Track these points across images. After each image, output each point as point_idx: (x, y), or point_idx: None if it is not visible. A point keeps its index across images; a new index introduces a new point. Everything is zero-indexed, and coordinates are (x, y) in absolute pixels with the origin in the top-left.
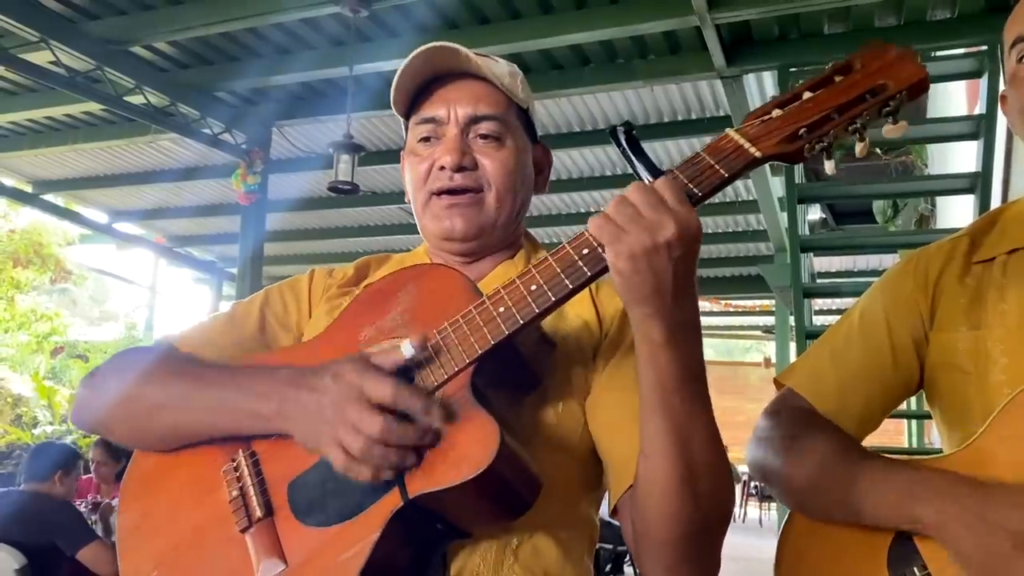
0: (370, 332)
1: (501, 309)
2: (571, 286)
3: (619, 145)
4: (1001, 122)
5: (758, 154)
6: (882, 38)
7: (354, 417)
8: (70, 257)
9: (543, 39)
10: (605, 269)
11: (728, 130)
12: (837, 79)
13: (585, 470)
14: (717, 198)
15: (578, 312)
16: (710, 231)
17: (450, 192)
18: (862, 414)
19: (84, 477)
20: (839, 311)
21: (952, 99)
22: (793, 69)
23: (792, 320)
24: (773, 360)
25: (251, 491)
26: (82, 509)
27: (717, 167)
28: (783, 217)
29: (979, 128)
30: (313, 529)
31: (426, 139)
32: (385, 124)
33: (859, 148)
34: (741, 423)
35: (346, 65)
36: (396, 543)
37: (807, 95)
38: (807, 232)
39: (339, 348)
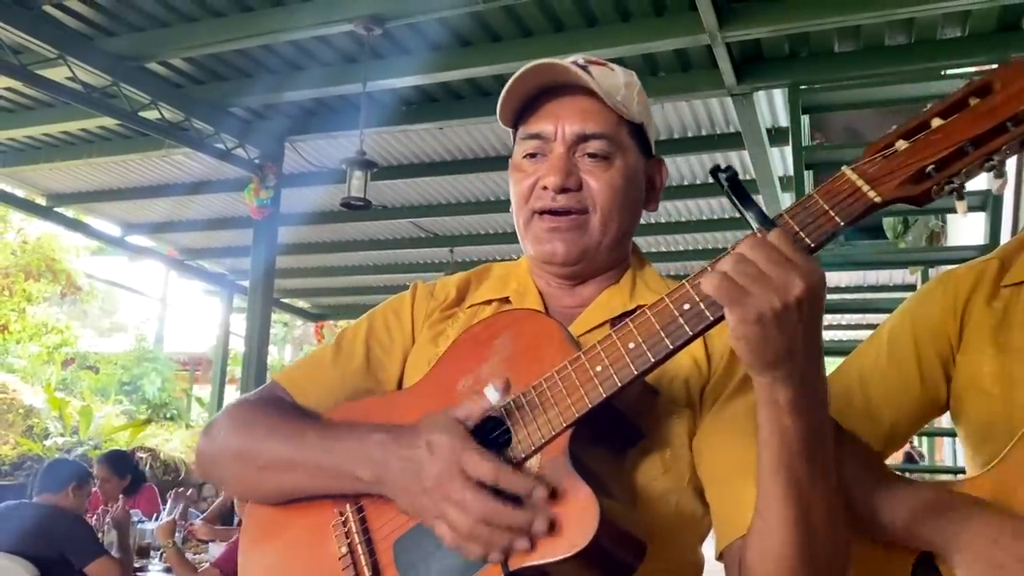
0: (468, 382)
1: (599, 368)
2: (671, 346)
3: (724, 190)
4: None
5: (878, 199)
6: (893, 56)
7: (457, 496)
8: (81, 269)
9: (555, 57)
10: (709, 327)
11: (845, 168)
12: (972, 102)
13: (695, 515)
14: (727, 214)
15: (687, 349)
16: (721, 246)
17: (552, 213)
18: (888, 434)
19: (94, 490)
20: (848, 326)
21: None
22: (803, 87)
23: None
24: None
25: (359, 549)
26: (93, 522)
27: (832, 213)
28: None
29: None
30: None
31: (532, 155)
32: (397, 140)
33: (996, 187)
34: None
35: (359, 82)
36: None
37: (936, 122)
38: None
39: (437, 399)
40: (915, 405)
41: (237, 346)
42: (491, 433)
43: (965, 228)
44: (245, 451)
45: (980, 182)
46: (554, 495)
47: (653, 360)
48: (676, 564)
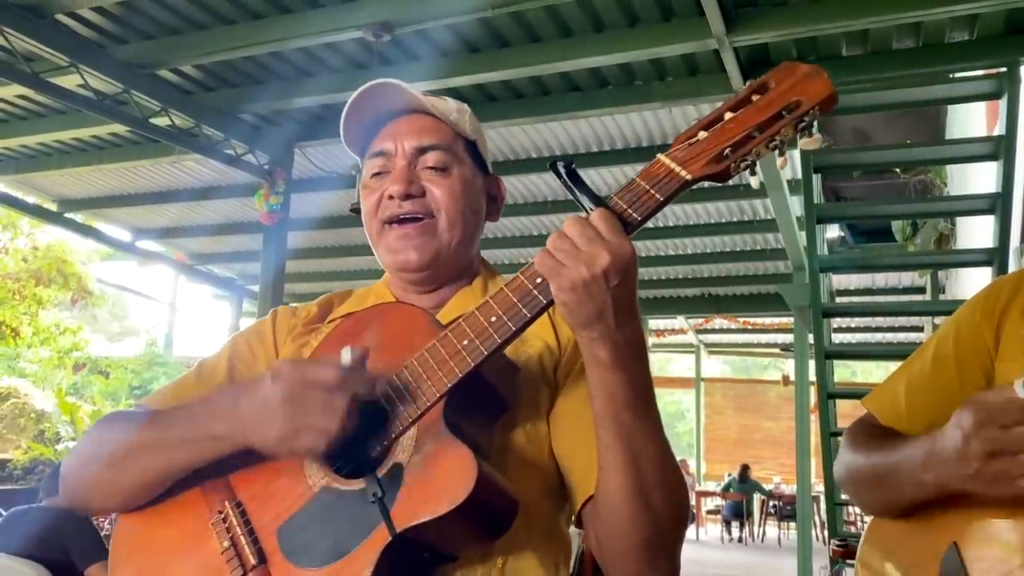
0: None
1: (465, 342)
2: (529, 315)
3: (560, 178)
4: (1021, 143)
5: (688, 176)
6: (901, 60)
7: (321, 400)
8: (91, 274)
9: (562, 62)
10: None
11: (659, 155)
12: (755, 98)
13: (557, 486)
14: (736, 216)
15: (538, 333)
16: (729, 250)
17: (400, 221)
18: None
19: None
20: (858, 329)
21: (971, 120)
22: None
23: (811, 338)
24: (792, 378)
25: (242, 540)
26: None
27: (652, 191)
28: (802, 236)
29: (999, 149)
30: (307, 570)
31: (378, 173)
32: None
33: (780, 162)
34: (758, 440)
35: None
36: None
37: (728, 115)
38: (826, 251)
39: None
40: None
41: None
42: (372, 414)
43: (974, 231)
44: (104, 451)
45: (990, 185)
46: (433, 454)
47: (513, 329)
48: (545, 535)
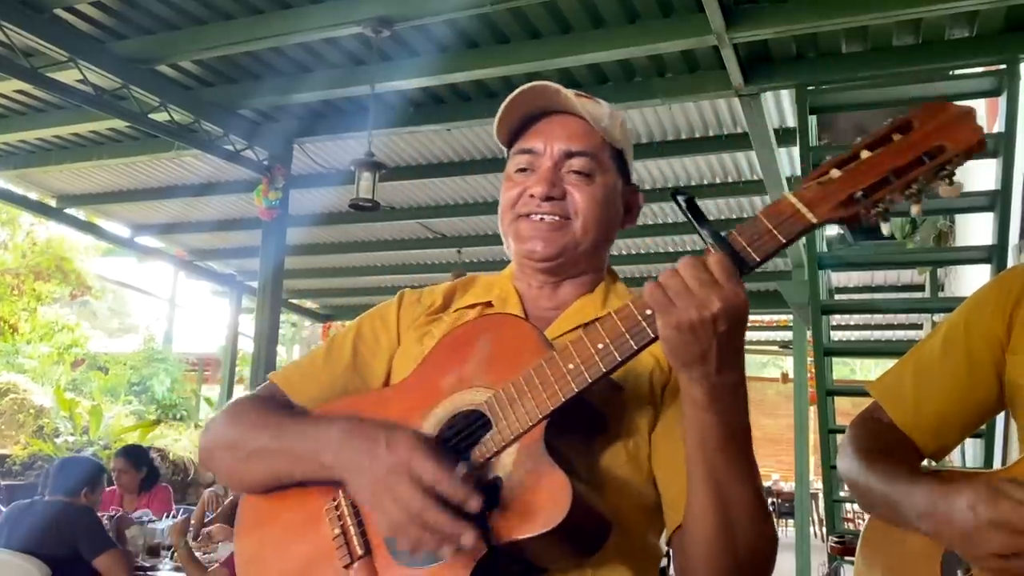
0: (452, 380)
1: (571, 366)
2: (635, 347)
3: (682, 210)
4: (1021, 140)
5: (815, 220)
6: (901, 57)
7: (399, 491)
8: (91, 270)
9: (562, 58)
10: None
11: (786, 193)
12: (895, 137)
13: (653, 504)
14: (735, 214)
15: (649, 350)
16: None
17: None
18: (937, 429)
19: (108, 489)
20: (856, 326)
21: None
22: (811, 88)
23: (809, 335)
24: (791, 375)
25: (351, 530)
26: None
27: (775, 232)
28: None
29: (998, 146)
30: (407, 569)
31: (523, 169)
32: (405, 141)
33: (914, 210)
34: (757, 438)
35: (367, 83)
36: None
37: (864, 154)
38: (825, 248)
39: (421, 395)
40: (962, 398)
41: (246, 346)
42: (473, 425)
43: (973, 229)
44: (234, 442)
45: (988, 182)
46: (532, 475)
47: (619, 359)
48: (636, 549)
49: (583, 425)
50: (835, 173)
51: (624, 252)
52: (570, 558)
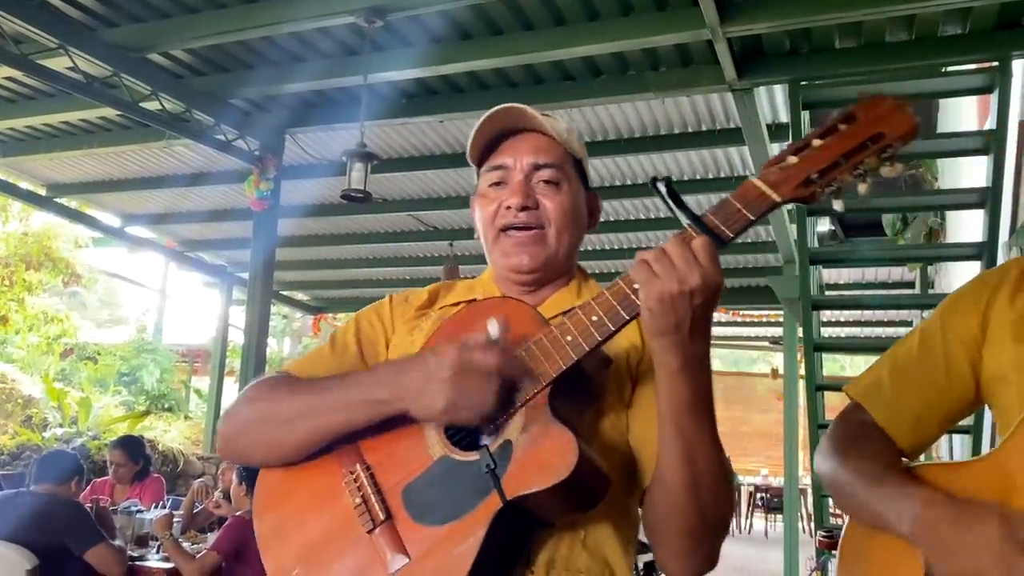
0: None
1: (568, 337)
2: (627, 316)
3: (661, 196)
4: (1011, 137)
5: (778, 198)
6: (894, 53)
7: (482, 383)
8: (81, 260)
9: (555, 50)
10: None
11: (751, 178)
12: (841, 127)
13: (631, 471)
14: None
15: (624, 332)
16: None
17: (516, 228)
18: (915, 425)
19: (100, 480)
20: (847, 323)
21: (963, 114)
22: (804, 83)
23: (800, 331)
24: (780, 371)
25: (372, 498)
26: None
27: (744, 211)
28: (792, 229)
29: (989, 143)
30: (428, 528)
31: (496, 184)
32: (397, 132)
33: (862, 189)
34: (747, 433)
35: (359, 74)
36: (498, 536)
37: (817, 142)
38: (816, 244)
39: None
40: (940, 396)
41: (236, 338)
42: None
43: (964, 225)
44: (270, 412)
45: (980, 179)
46: (540, 434)
47: (612, 328)
48: (619, 513)
49: (578, 394)
50: (792, 159)
51: (625, 248)
52: (573, 511)
